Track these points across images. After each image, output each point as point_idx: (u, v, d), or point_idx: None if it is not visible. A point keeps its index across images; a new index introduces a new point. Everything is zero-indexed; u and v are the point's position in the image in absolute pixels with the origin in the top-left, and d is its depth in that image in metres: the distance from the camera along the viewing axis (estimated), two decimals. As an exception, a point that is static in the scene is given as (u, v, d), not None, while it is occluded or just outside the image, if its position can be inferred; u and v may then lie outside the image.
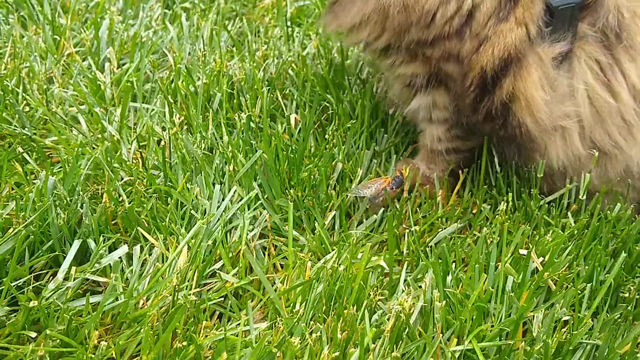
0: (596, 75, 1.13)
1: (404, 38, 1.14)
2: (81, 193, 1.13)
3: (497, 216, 1.16)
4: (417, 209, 1.24)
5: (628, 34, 1.11)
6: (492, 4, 1.09)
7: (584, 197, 1.18)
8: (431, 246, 1.14)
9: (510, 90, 1.13)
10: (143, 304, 1.00)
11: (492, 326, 0.98)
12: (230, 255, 1.09)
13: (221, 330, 0.97)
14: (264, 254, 1.14)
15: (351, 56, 1.59)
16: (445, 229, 1.17)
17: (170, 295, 0.98)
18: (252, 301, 1.04)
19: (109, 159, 1.23)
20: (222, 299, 1.04)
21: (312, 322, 0.93)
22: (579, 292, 1.02)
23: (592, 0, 1.11)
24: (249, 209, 1.18)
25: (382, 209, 1.21)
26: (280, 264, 1.13)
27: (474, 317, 0.98)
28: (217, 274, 1.06)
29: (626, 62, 1.12)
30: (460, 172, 1.29)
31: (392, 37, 1.15)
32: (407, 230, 1.15)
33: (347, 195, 1.21)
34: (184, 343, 0.90)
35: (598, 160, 1.18)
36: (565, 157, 1.18)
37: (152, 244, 1.10)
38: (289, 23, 1.72)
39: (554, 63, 1.13)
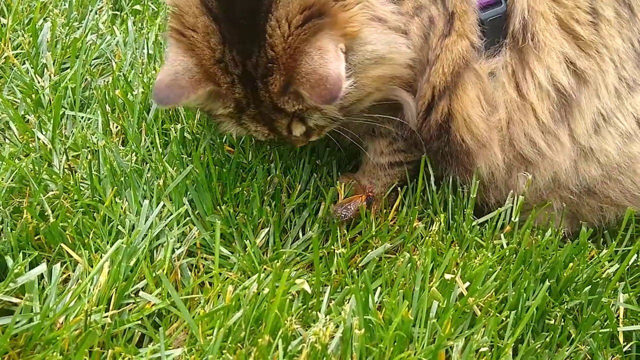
0: (509, 78, 1.12)
1: None
2: (2, 208, 1.10)
3: (426, 238, 1.14)
4: (356, 224, 1.22)
5: (533, 34, 1.10)
6: (442, 23, 1.08)
7: (517, 218, 1.17)
8: (359, 268, 1.12)
9: (447, 111, 1.12)
10: (60, 325, 0.97)
11: (415, 353, 0.96)
12: (156, 273, 1.06)
13: (138, 354, 0.95)
14: (192, 272, 1.11)
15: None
16: (376, 248, 1.15)
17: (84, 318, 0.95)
18: (176, 322, 1.02)
19: (37, 169, 1.19)
20: (147, 317, 1.02)
21: (224, 352, 0.90)
22: (504, 319, 1.01)
23: (510, 8, 1.11)
24: (178, 225, 1.15)
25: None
26: (209, 282, 1.10)
27: (396, 343, 0.96)
28: (139, 294, 1.03)
29: (533, 62, 1.11)
30: (399, 188, 1.27)
31: None
32: (338, 251, 1.13)
33: (329, 219, 1.20)
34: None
35: (525, 168, 1.17)
36: (491, 167, 1.17)
37: (76, 260, 1.07)
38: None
39: (489, 77, 1.12)
